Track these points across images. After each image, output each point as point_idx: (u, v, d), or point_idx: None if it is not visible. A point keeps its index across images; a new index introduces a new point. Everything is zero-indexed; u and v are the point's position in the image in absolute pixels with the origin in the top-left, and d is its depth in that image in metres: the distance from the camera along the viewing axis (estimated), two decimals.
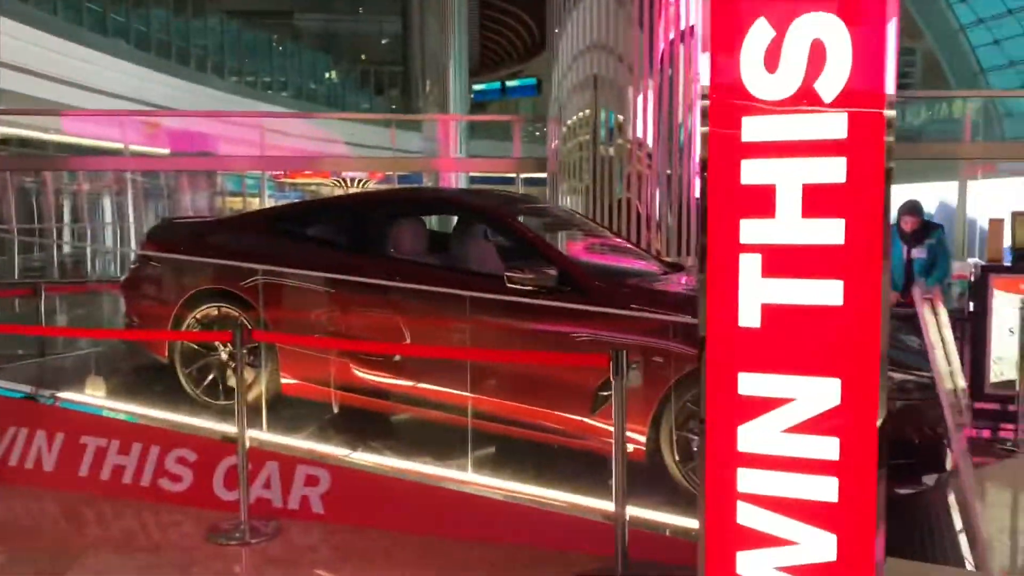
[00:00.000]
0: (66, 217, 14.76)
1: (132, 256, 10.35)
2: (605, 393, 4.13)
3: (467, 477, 4.13)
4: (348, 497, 4.26)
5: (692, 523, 3.78)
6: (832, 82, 2.32)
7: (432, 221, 6.68)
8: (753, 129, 2.42)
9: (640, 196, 6.80)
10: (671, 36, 6.62)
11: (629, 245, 5.55)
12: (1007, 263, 6.11)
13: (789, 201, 2.39)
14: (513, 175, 9.26)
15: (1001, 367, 5.68)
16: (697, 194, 6.73)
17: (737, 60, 2.41)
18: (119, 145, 15.18)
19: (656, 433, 4.06)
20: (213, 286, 4.95)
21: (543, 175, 8.82)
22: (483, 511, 4.01)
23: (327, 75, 34.67)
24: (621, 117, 6.81)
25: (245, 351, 4.81)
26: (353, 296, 4.71)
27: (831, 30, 2.32)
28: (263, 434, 4.57)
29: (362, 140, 26.06)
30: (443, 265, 4.85)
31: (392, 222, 5.03)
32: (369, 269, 4.65)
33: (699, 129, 2.48)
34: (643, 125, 6.77)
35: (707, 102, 2.43)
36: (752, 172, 2.42)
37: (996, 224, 6.21)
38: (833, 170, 2.35)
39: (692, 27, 6.60)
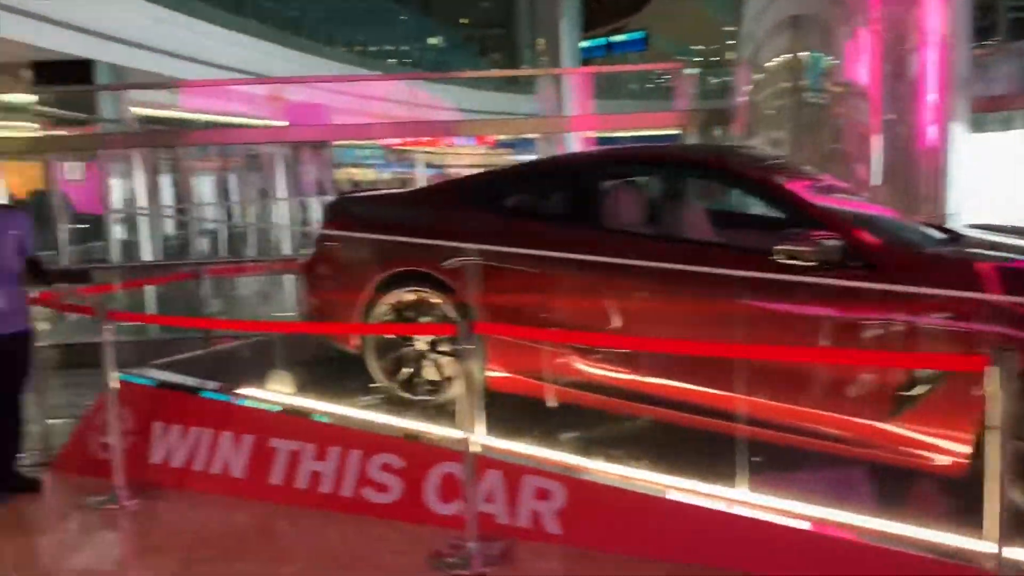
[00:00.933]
0: (202, 196, 14.64)
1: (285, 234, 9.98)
2: (911, 393, 3.37)
3: (738, 495, 3.42)
4: (589, 515, 3.62)
5: None
6: None
7: None
8: None
9: (858, 148, 5.89)
10: None
11: (884, 207, 4.67)
12: None
13: None
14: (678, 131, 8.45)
15: None
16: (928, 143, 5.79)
17: None
18: (242, 120, 14.99)
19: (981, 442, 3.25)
20: (409, 268, 4.35)
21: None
22: (765, 538, 3.30)
23: (431, 40, 34.15)
24: (836, 60, 5.88)
25: (447, 341, 4.25)
26: (580, 278, 4.00)
27: None
28: (480, 438, 3.96)
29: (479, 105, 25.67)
30: (705, 240, 4.10)
31: (611, 188, 4.35)
32: (602, 246, 3.93)
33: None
34: (859, 67, 5.84)
35: None
36: None
37: None
38: None
39: None
